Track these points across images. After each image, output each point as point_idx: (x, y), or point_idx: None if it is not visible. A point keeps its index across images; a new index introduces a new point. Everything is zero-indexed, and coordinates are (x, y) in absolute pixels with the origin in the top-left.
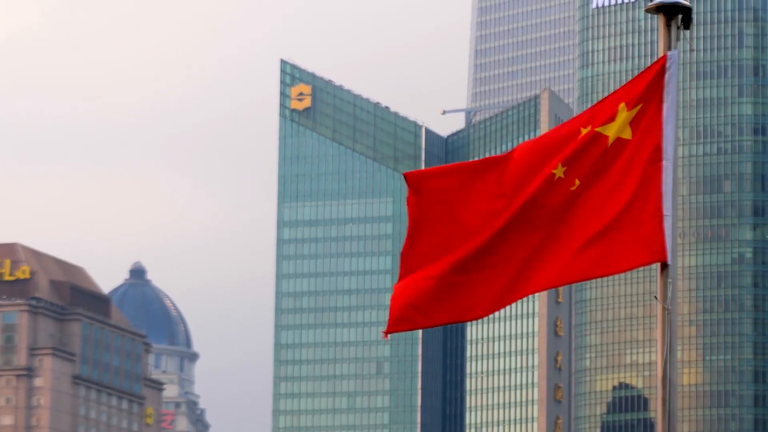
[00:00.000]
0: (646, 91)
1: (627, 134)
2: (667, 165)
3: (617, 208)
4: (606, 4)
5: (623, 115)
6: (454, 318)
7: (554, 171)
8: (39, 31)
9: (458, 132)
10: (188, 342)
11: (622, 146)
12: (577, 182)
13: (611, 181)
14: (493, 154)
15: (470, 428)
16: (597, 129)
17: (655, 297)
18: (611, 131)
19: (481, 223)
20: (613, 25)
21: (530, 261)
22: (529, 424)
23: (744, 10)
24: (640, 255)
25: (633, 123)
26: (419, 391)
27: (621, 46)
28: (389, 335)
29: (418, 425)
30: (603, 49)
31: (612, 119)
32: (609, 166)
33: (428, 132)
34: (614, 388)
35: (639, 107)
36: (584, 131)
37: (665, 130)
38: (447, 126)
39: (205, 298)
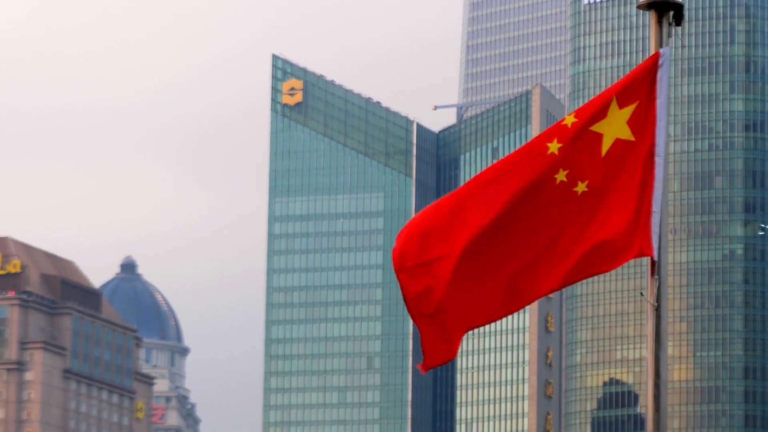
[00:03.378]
0: (640, 88)
1: (628, 135)
2: (659, 161)
3: (627, 208)
4: (598, 0)
5: (616, 113)
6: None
7: (556, 176)
8: (27, 24)
9: (449, 127)
10: (179, 336)
11: (626, 148)
12: (581, 185)
13: (621, 185)
14: (484, 150)
15: (460, 423)
16: (591, 128)
17: (641, 293)
18: (605, 129)
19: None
20: (605, 21)
21: (535, 266)
22: (520, 420)
23: (735, 6)
24: (626, 250)
25: (631, 123)
26: (410, 387)
27: (613, 42)
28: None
29: (409, 420)
30: (595, 45)
31: (603, 116)
32: (618, 171)
33: (419, 127)
34: (605, 383)
35: (634, 105)
36: (570, 121)
37: (658, 127)
38: (438, 121)
39: (196, 292)
